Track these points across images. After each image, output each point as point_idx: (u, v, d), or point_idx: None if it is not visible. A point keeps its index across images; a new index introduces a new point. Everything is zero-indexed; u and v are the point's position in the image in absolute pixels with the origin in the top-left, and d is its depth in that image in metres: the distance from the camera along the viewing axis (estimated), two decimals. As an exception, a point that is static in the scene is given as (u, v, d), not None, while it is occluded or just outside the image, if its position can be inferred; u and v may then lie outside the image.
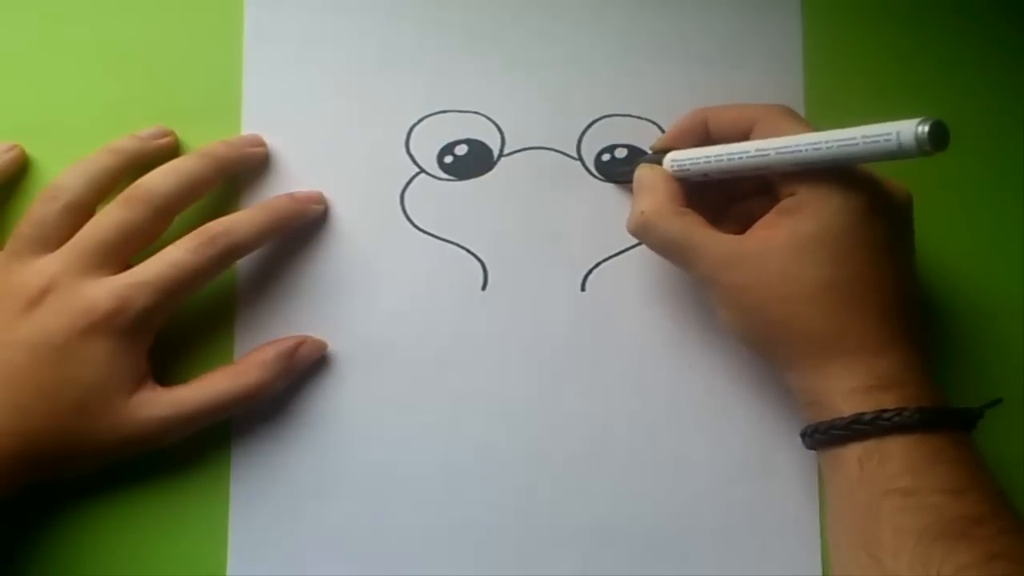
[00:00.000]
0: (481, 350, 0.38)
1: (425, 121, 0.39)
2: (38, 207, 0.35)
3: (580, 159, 0.39)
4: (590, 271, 0.38)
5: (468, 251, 0.39)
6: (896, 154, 0.30)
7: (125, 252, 0.35)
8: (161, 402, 0.35)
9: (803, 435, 0.34)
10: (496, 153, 0.39)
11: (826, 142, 0.31)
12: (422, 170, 0.39)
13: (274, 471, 0.37)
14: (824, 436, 0.32)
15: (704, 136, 0.36)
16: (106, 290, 0.34)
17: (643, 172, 0.36)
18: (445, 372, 0.38)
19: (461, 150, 0.39)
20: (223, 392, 0.36)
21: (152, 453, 0.36)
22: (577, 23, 0.39)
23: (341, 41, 0.39)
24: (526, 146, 0.39)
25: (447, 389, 0.38)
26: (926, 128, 0.29)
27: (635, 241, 0.38)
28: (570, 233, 0.39)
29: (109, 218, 0.35)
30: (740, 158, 0.33)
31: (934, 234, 0.38)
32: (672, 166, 0.36)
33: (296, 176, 0.39)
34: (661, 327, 0.38)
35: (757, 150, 0.33)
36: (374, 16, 0.39)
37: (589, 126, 0.39)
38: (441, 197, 0.39)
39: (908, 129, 0.29)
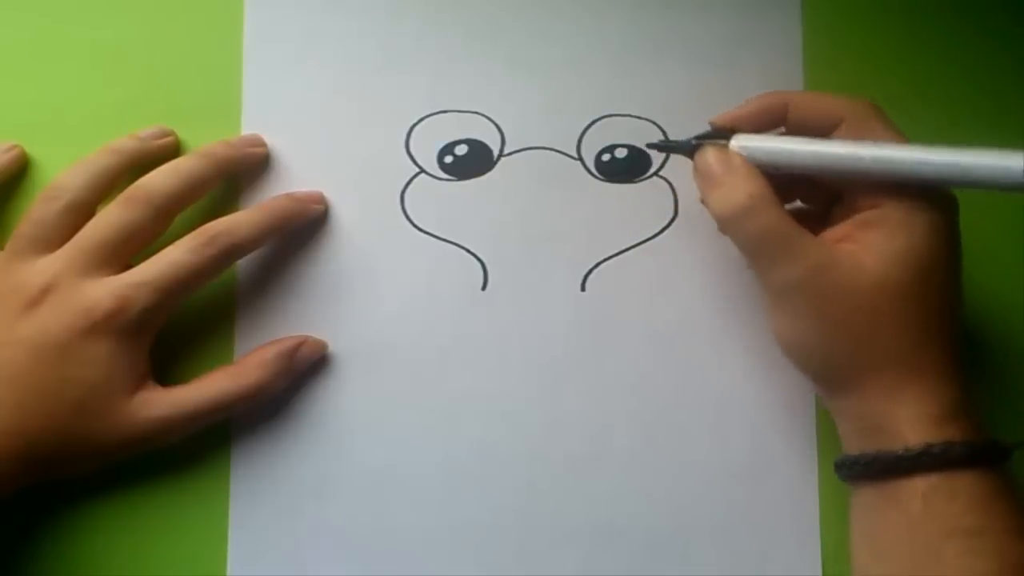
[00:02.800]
0: (481, 350, 0.38)
1: (425, 121, 0.39)
2: (38, 207, 0.35)
3: (580, 159, 0.39)
4: (590, 271, 0.38)
5: (468, 251, 0.39)
6: (1012, 187, 0.29)
7: (125, 252, 0.35)
8: (161, 402, 0.35)
9: (854, 464, 0.32)
10: (496, 153, 0.39)
11: (936, 163, 0.30)
12: (422, 170, 0.39)
13: (274, 471, 0.37)
14: (887, 466, 0.30)
15: (777, 122, 0.34)
16: (106, 290, 0.34)
17: (719, 155, 0.33)
18: (445, 372, 0.38)
19: (461, 150, 0.39)
20: (223, 392, 0.36)
21: (152, 453, 0.36)
22: (577, 23, 0.39)
23: (341, 41, 0.39)
24: (526, 146, 0.39)
25: (447, 389, 0.38)
26: None
27: (635, 241, 0.38)
28: (570, 233, 0.39)
29: (109, 218, 0.35)
30: (830, 160, 0.31)
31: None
32: (743, 153, 0.33)
33: (296, 176, 0.39)
34: (661, 327, 0.38)
35: (852, 155, 0.31)
36: (374, 16, 0.39)
37: (589, 126, 0.39)
38: (441, 197, 0.39)
39: None
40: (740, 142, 0.33)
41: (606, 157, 0.39)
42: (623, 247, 0.39)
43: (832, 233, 0.32)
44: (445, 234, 0.39)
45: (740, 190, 0.32)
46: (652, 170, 0.39)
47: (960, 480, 0.30)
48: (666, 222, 0.39)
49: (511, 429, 0.38)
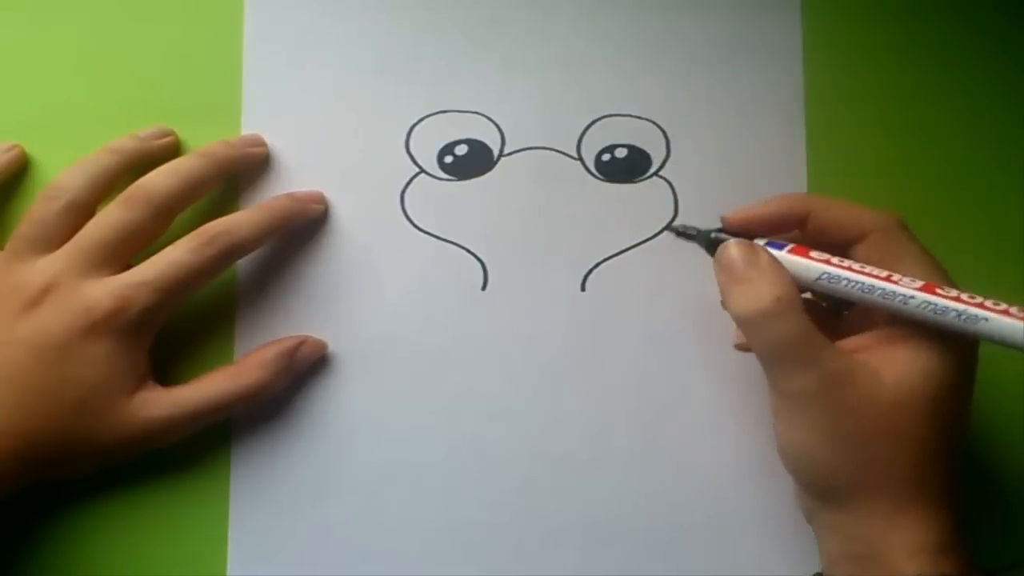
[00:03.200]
0: (481, 350, 0.38)
1: (425, 121, 0.39)
2: (38, 207, 0.35)
3: (580, 159, 0.39)
4: (590, 271, 0.38)
5: (468, 251, 0.39)
6: None
7: (125, 252, 0.35)
8: (161, 402, 0.35)
9: None
10: (496, 153, 0.39)
11: (974, 317, 0.29)
12: (422, 170, 0.39)
13: (274, 471, 0.37)
14: None
15: (795, 227, 0.33)
16: (106, 290, 0.34)
17: (745, 250, 0.31)
18: (445, 372, 0.38)
19: (461, 150, 0.39)
20: (223, 392, 0.36)
21: (152, 453, 0.36)
22: (577, 23, 0.39)
23: (341, 41, 0.39)
24: (526, 146, 0.39)
25: (447, 389, 0.38)
26: None
27: (635, 241, 0.38)
28: (570, 233, 0.39)
29: (109, 218, 0.35)
30: (858, 286, 0.30)
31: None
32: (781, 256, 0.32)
33: (296, 176, 0.39)
34: (661, 327, 0.38)
35: (888, 291, 0.30)
36: (374, 16, 0.39)
37: (589, 126, 0.39)
38: (441, 197, 0.39)
39: None
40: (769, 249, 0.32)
41: (606, 157, 0.39)
42: (623, 247, 0.39)
43: (850, 342, 0.31)
44: (445, 234, 0.39)
45: (766, 292, 0.30)
46: (652, 170, 0.39)
47: None
48: (666, 222, 0.39)
49: (511, 429, 0.38)
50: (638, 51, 0.39)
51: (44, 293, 0.34)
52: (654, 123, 0.39)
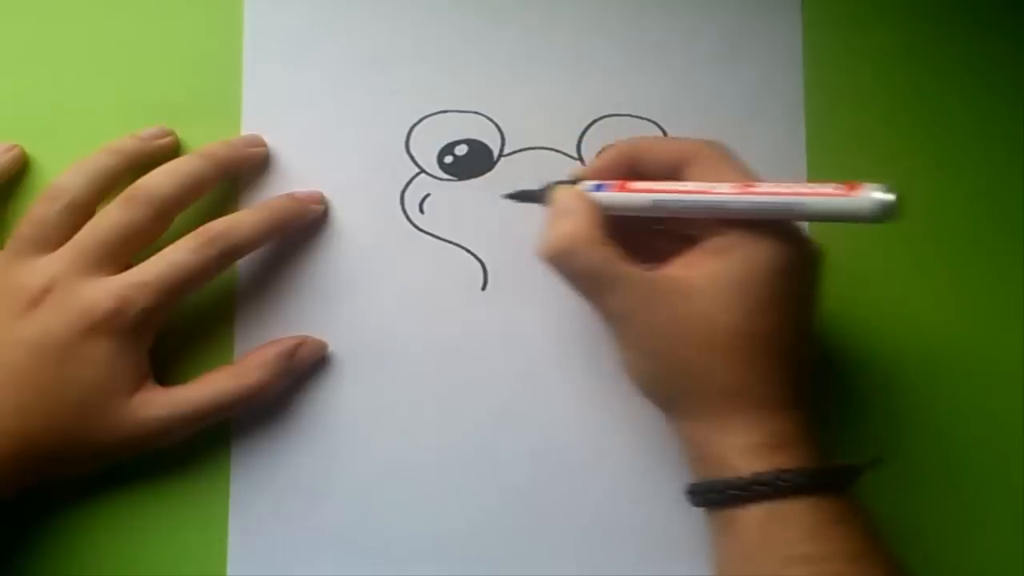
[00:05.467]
0: (481, 350, 0.38)
1: (425, 121, 0.39)
2: (38, 207, 0.35)
3: (580, 159, 0.39)
4: (590, 271, 0.38)
5: (468, 251, 0.39)
6: (850, 218, 0.29)
7: (125, 252, 0.35)
8: (161, 402, 0.35)
9: (691, 492, 0.32)
10: (496, 153, 0.39)
11: (790, 203, 0.30)
12: (422, 170, 0.39)
13: (274, 471, 0.37)
14: (719, 496, 0.31)
15: (632, 170, 0.34)
16: (106, 290, 0.34)
17: (564, 194, 0.34)
18: (445, 372, 0.38)
19: (461, 150, 0.39)
20: (223, 392, 0.36)
21: (152, 453, 0.36)
22: (577, 23, 0.39)
23: (341, 41, 0.39)
24: (526, 146, 0.39)
25: (447, 389, 0.38)
26: (883, 199, 0.29)
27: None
28: (570, 233, 0.39)
29: (109, 218, 0.35)
30: (686, 204, 0.32)
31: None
32: (595, 195, 0.34)
33: (296, 176, 0.39)
34: (661, 327, 0.38)
35: (708, 203, 0.31)
36: (374, 16, 0.39)
37: (589, 126, 0.39)
38: (441, 197, 0.39)
39: (865, 201, 0.29)
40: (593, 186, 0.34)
41: (606, 157, 0.39)
42: (623, 247, 0.39)
43: (682, 261, 0.32)
44: (445, 234, 0.39)
45: (555, 231, 0.33)
46: (652, 170, 0.39)
47: (793, 508, 0.30)
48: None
49: (511, 429, 0.38)
50: (638, 51, 0.39)
51: (44, 293, 0.34)
52: (654, 123, 0.39)
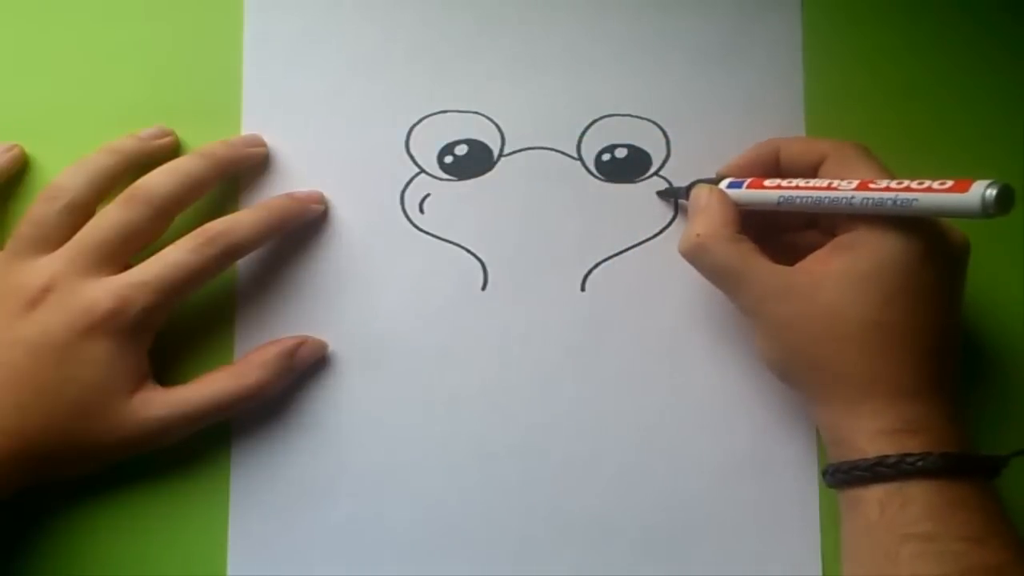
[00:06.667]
0: (481, 350, 0.38)
1: (425, 121, 0.39)
2: (38, 207, 0.35)
3: (580, 159, 0.39)
4: (590, 271, 0.38)
5: (468, 251, 0.39)
6: (965, 215, 0.30)
7: (125, 252, 0.35)
8: (161, 402, 0.35)
9: (825, 473, 0.34)
10: (496, 153, 0.39)
11: (901, 199, 0.31)
12: (422, 170, 0.39)
13: (274, 471, 0.37)
14: (846, 476, 0.32)
15: (774, 166, 0.36)
16: (106, 290, 0.34)
17: (701, 192, 0.36)
18: (445, 372, 0.38)
19: (461, 150, 0.39)
20: (223, 392, 0.36)
21: (152, 453, 0.36)
22: (577, 23, 0.39)
23: (341, 41, 0.39)
24: (526, 146, 0.39)
25: (447, 389, 0.38)
26: (993, 193, 0.29)
27: (635, 241, 0.38)
28: (570, 233, 0.39)
29: (109, 218, 0.35)
30: (809, 200, 0.33)
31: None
32: (730, 192, 0.35)
33: (296, 176, 0.39)
34: (661, 327, 0.38)
35: (836, 199, 0.32)
36: (374, 16, 0.39)
37: (589, 126, 0.39)
38: (441, 197, 0.39)
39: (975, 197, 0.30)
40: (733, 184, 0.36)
41: (606, 157, 0.39)
42: (623, 247, 0.39)
43: (814, 257, 0.33)
44: (445, 234, 0.39)
45: (692, 229, 0.35)
46: (652, 170, 0.39)
47: (916, 489, 0.31)
48: (666, 222, 0.39)
49: (511, 429, 0.38)
50: (638, 51, 0.39)
51: (44, 293, 0.34)
52: (654, 123, 0.39)
